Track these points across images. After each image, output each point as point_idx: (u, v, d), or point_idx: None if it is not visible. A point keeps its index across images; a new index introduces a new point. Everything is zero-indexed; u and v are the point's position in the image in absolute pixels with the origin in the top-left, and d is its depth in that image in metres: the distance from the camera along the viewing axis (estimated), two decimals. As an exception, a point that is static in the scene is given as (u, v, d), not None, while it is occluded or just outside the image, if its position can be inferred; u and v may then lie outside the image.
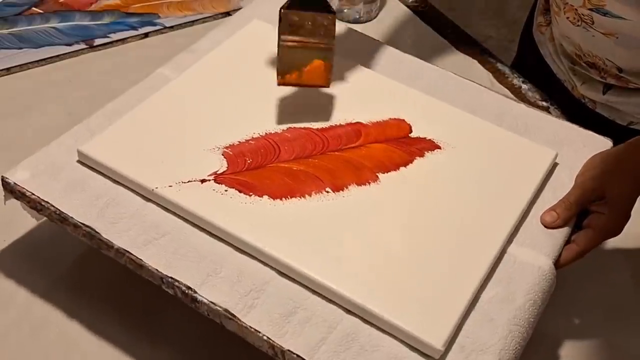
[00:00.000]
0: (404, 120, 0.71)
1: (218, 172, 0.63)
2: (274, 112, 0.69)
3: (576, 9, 0.80)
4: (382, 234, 0.60)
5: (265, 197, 0.61)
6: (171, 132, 0.66)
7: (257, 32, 0.79)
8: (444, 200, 0.63)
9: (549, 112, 0.85)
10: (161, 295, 0.58)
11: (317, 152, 0.66)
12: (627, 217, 0.64)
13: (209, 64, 0.74)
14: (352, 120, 0.70)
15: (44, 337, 0.63)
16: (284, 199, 0.62)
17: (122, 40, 0.93)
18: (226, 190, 0.62)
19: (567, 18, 0.82)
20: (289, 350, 0.53)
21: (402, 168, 0.66)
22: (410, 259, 0.58)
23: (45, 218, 0.63)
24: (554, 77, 0.91)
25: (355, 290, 0.55)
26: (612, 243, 0.72)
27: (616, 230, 0.64)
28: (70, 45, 0.91)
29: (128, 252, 0.58)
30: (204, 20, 0.98)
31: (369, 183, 0.64)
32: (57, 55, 0.89)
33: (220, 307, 0.55)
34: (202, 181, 0.62)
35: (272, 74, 0.72)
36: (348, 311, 0.56)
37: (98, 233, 0.59)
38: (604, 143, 0.72)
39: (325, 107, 0.71)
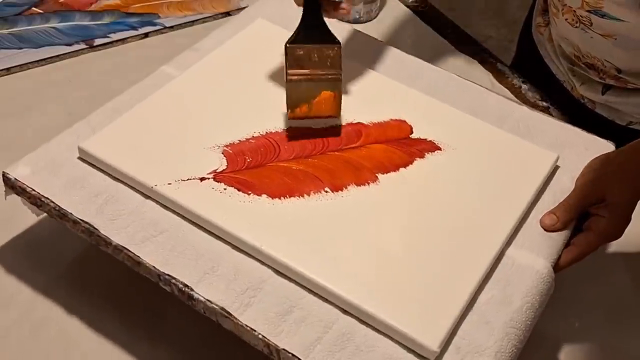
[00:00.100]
0: (405, 121, 0.71)
1: (217, 171, 0.63)
2: (275, 112, 0.69)
3: (574, 11, 0.79)
4: (380, 235, 0.60)
5: (264, 196, 0.61)
6: (172, 130, 0.66)
7: (261, 31, 0.79)
8: (443, 202, 0.63)
9: (549, 112, 0.85)
10: (161, 293, 0.58)
11: (317, 152, 0.66)
12: (627, 220, 0.63)
13: (212, 63, 0.74)
14: (353, 120, 0.70)
15: (44, 334, 0.63)
16: (282, 198, 0.62)
17: (122, 40, 0.93)
18: (225, 189, 0.62)
19: (566, 20, 0.82)
20: (284, 349, 0.53)
21: (401, 169, 0.66)
22: (407, 260, 0.58)
23: (45, 214, 0.63)
24: (553, 77, 0.91)
25: (351, 290, 0.55)
26: (612, 245, 0.72)
27: (616, 234, 0.64)
28: (70, 45, 0.91)
29: (126, 248, 0.58)
30: (204, 20, 0.98)
31: (368, 183, 0.64)
32: (57, 55, 0.90)
33: (216, 305, 0.55)
34: (202, 179, 0.62)
35: (275, 74, 0.73)
36: (344, 311, 0.56)
37: (96, 229, 0.59)
38: (606, 146, 0.71)
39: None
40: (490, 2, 2.09)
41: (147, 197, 0.62)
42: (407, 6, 1.03)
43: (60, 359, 0.62)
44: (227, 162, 0.64)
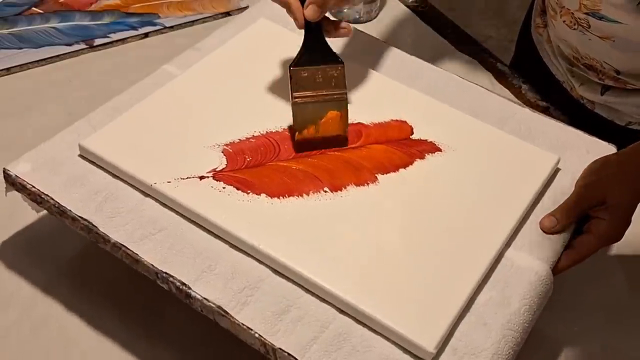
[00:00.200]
0: (405, 121, 0.71)
1: (217, 169, 0.63)
2: (275, 111, 0.69)
3: (572, 13, 0.79)
4: (378, 235, 0.60)
5: (263, 195, 0.62)
6: (172, 129, 0.67)
7: (263, 31, 0.79)
8: (442, 203, 0.63)
9: (549, 112, 0.85)
10: (160, 291, 0.58)
11: (317, 151, 0.66)
12: (627, 223, 0.63)
13: (214, 62, 0.74)
14: (353, 120, 0.69)
15: (43, 331, 0.63)
16: (281, 197, 0.62)
17: (122, 40, 0.93)
18: (224, 188, 0.62)
19: (564, 22, 0.82)
20: (280, 349, 0.53)
21: (401, 170, 0.66)
22: (405, 261, 0.58)
23: (45, 211, 0.64)
24: (553, 77, 0.91)
25: (348, 290, 0.55)
26: (612, 248, 0.72)
27: (617, 236, 0.64)
28: (70, 45, 0.91)
29: (124, 246, 0.58)
30: (204, 20, 0.98)
31: (368, 184, 0.64)
32: (57, 55, 0.90)
33: (213, 303, 0.55)
34: (201, 178, 0.62)
35: (276, 73, 0.73)
36: (341, 311, 0.56)
37: (95, 227, 0.59)
38: (607, 149, 0.71)
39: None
40: (490, 2, 2.08)
41: (147, 195, 0.62)
42: (407, 6, 1.03)
43: (60, 357, 0.62)
44: (227, 161, 0.64)
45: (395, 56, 0.80)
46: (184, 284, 0.56)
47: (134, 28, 0.94)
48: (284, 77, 0.66)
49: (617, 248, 0.72)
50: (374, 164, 0.66)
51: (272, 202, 0.61)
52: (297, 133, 0.65)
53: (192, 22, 0.97)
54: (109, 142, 0.64)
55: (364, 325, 0.55)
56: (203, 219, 0.59)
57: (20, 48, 0.90)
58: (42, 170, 0.63)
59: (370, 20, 1.00)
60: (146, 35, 0.95)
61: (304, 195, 0.62)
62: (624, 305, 0.70)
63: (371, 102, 0.72)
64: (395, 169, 0.66)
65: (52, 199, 0.61)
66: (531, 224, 0.64)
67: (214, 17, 0.99)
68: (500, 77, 0.92)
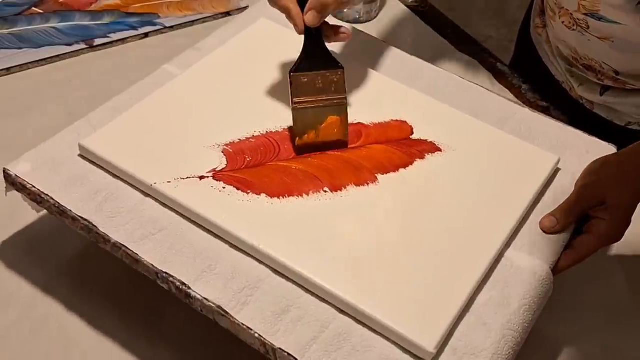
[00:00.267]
0: (405, 122, 0.71)
1: (217, 170, 0.63)
2: (275, 111, 0.69)
3: (571, 14, 0.79)
4: (378, 235, 0.60)
5: (263, 195, 0.62)
6: (172, 129, 0.67)
7: (264, 31, 0.79)
8: (442, 203, 0.63)
9: (549, 112, 0.85)
10: (160, 291, 0.58)
11: (317, 151, 0.66)
12: (627, 223, 0.63)
13: (214, 62, 0.74)
14: (353, 120, 0.69)
15: (43, 331, 0.63)
16: (281, 197, 0.62)
17: (122, 40, 0.93)
18: (224, 188, 0.62)
19: (563, 22, 0.82)
20: (280, 349, 0.53)
21: (401, 170, 0.66)
22: (405, 261, 0.58)
23: (46, 211, 0.64)
24: (552, 77, 0.91)
25: (348, 290, 0.55)
26: (612, 248, 0.72)
27: (617, 237, 0.64)
28: (70, 45, 0.91)
29: (124, 246, 0.58)
30: (204, 20, 0.98)
31: (368, 184, 0.64)
32: (57, 55, 0.90)
33: (213, 303, 0.55)
34: (201, 178, 0.62)
35: (276, 73, 0.73)
36: (341, 311, 0.56)
37: (95, 227, 0.59)
38: (607, 149, 0.71)
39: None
40: (490, 2, 2.09)
41: (147, 195, 0.62)
42: (407, 6, 1.03)
43: (60, 357, 0.62)
44: (227, 161, 0.64)
45: (395, 56, 0.80)
46: (184, 284, 0.56)
47: (134, 28, 0.94)
48: (284, 77, 0.66)
49: (617, 248, 0.72)
50: (374, 164, 0.66)
51: (272, 202, 0.61)
52: (297, 138, 0.65)
53: (192, 22, 0.97)
54: (109, 142, 0.64)
55: (364, 325, 0.55)
56: (203, 219, 0.59)
57: (20, 48, 0.90)
58: (42, 170, 0.63)
59: (370, 20, 1.00)
60: (146, 35, 0.95)
61: (304, 195, 0.62)
62: (624, 305, 0.70)
63: (371, 102, 0.72)
64: (395, 169, 0.66)
65: (52, 198, 0.61)
66: (531, 224, 0.64)
67: (214, 17, 0.99)
68: (500, 77, 0.92)
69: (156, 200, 0.62)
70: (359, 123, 0.70)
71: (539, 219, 0.64)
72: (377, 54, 0.80)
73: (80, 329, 0.64)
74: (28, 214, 0.68)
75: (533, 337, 0.59)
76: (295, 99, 0.65)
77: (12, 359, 0.62)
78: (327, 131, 0.66)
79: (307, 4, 0.64)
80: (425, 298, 0.56)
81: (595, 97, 0.85)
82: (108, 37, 0.93)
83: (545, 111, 0.81)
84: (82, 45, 0.92)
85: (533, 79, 0.91)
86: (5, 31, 0.92)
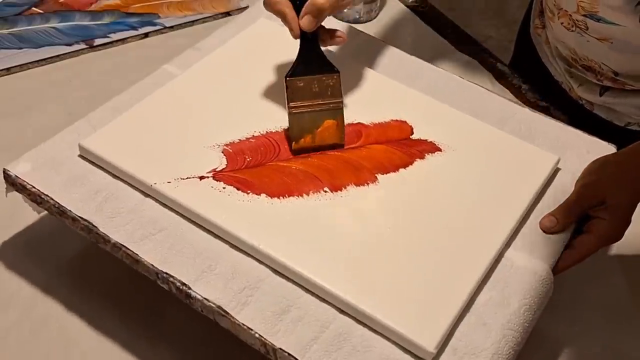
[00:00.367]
0: (405, 122, 0.71)
1: (217, 170, 0.63)
2: (275, 111, 0.69)
3: (570, 15, 0.79)
4: (378, 235, 0.60)
5: (263, 195, 0.62)
6: (172, 129, 0.67)
7: (263, 31, 0.79)
8: (442, 203, 0.63)
9: (550, 112, 0.85)
10: (161, 291, 0.58)
11: (317, 151, 0.66)
12: (627, 222, 0.63)
13: (214, 62, 0.74)
14: (353, 120, 0.70)
15: (44, 332, 0.63)
16: (281, 197, 0.62)
17: (122, 40, 0.93)
18: (224, 188, 0.62)
19: (562, 23, 0.82)
20: (280, 349, 0.53)
21: (401, 170, 0.66)
22: (405, 261, 0.58)
23: (46, 212, 0.64)
24: (552, 77, 0.91)
25: (348, 290, 0.55)
26: (612, 247, 0.72)
27: (617, 236, 0.64)
28: (70, 45, 0.91)
29: (124, 246, 0.58)
30: (204, 20, 0.98)
31: (368, 184, 0.64)
32: (57, 55, 0.90)
33: (213, 303, 0.55)
34: (201, 178, 0.62)
35: (276, 73, 0.73)
36: (341, 311, 0.56)
37: (95, 227, 0.59)
38: (607, 149, 0.71)
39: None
40: (490, 2, 2.09)
41: (147, 195, 0.62)
42: (407, 6, 1.03)
43: (60, 357, 0.62)
44: (227, 161, 0.64)
45: (395, 56, 0.80)
46: (184, 284, 0.56)
47: (134, 28, 0.94)
48: (284, 77, 0.66)
49: (617, 248, 0.72)
50: (374, 164, 0.66)
51: (272, 202, 0.61)
52: (294, 143, 0.65)
53: (192, 22, 0.97)
54: (109, 142, 0.64)
55: (364, 325, 0.55)
56: (203, 219, 0.59)
57: (20, 48, 0.90)
58: (42, 170, 0.63)
59: (370, 20, 1.00)
60: (146, 35, 0.95)
61: (304, 195, 0.62)
62: (624, 305, 0.70)
63: (371, 102, 0.72)
64: (395, 169, 0.66)
65: (52, 199, 0.61)
66: (531, 224, 0.64)
67: (214, 17, 0.99)
68: (500, 77, 0.92)
69: (156, 200, 0.62)
70: (358, 123, 0.70)
71: (538, 219, 0.64)
72: (377, 54, 0.80)
73: (80, 329, 0.64)
74: (28, 215, 0.68)
75: (533, 337, 0.59)
76: (292, 104, 0.65)
77: (12, 359, 0.62)
78: (323, 135, 0.66)
79: (303, 9, 0.64)
80: (426, 298, 0.56)
81: (594, 97, 0.85)
82: (108, 37, 0.93)
83: (545, 111, 0.81)
84: (82, 45, 0.92)
85: (532, 79, 0.91)
86: (5, 31, 0.92)
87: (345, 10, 0.98)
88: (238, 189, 0.62)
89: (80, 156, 0.65)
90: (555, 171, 0.68)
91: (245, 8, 0.97)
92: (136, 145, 0.64)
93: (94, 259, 0.68)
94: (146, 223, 0.60)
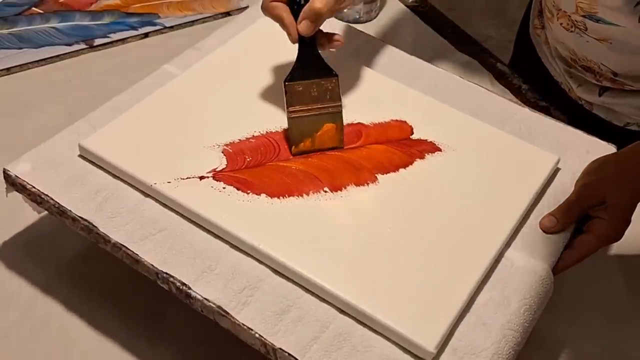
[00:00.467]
0: (405, 122, 0.71)
1: (217, 170, 0.63)
2: (275, 111, 0.69)
3: (569, 16, 0.79)
4: (378, 235, 0.60)
5: (263, 195, 0.62)
6: (172, 129, 0.67)
7: (263, 31, 0.79)
8: (442, 203, 0.63)
9: (550, 112, 0.85)
10: (161, 291, 0.58)
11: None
12: (627, 222, 0.63)
13: (214, 62, 0.74)
14: (353, 120, 0.70)
15: (44, 332, 0.63)
16: (281, 197, 0.62)
17: (122, 40, 0.93)
18: (224, 188, 0.62)
19: (561, 24, 0.82)
20: (280, 349, 0.53)
21: (401, 170, 0.66)
22: (405, 261, 0.58)
23: (46, 212, 0.64)
24: (551, 77, 0.91)
25: (348, 290, 0.55)
26: (612, 247, 0.72)
27: (617, 236, 0.64)
28: (70, 45, 0.91)
29: (124, 246, 0.58)
30: (204, 20, 0.98)
31: (368, 184, 0.64)
32: (57, 55, 0.90)
33: (213, 303, 0.55)
34: (201, 178, 0.62)
35: (276, 73, 0.73)
36: (341, 311, 0.56)
37: (95, 227, 0.59)
38: (607, 149, 0.71)
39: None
40: (490, 2, 2.09)
41: (147, 195, 0.62)
42: (407, 6, 1.03)
43: (60, 357, 0.62)
44: (227, 161, 0.64)
45: (395, 56, 0.80)
46: (184, 284, 0.56)
47: (134, 28, 0.94)
48: (283, 78, 0.66)
49: (617, 248, 0.72)
50: (374, 164, 0.66)
51: (272, 202, 0.61)
52: (293, 147, 0.65)
53: (192, 22, 0.97)
54: (109, 142, 0.64)
55: (364, 325, 0.55)
56: (203, 219, 0.59)
57: (20, 48, 0.90)
58: (42, 170, 0.63)
59: (370, 20, 1.00)
60: (146, 35, 0.95)
61: (304, 195, 0.62)
62: (624, 305, 0.70)
63: (371, 102, 0.72)
64: (395, 169, 0.66)
65: (52, 199, 0.61)
66: (531, 224, 0.64)
67: (214, 17, 0.99)
68: (500, 77, 0.92)
69: (156, 200, 0.62)
70: (358, 123, 0.70)
71: (538, 219, 0.64)
72: (377, 54, 0.80)
73: (80, 329, 0.64)
74: (28, 215, 0.68)
75: (533, 337, 0.59)
76: (291, 108, 0.65)
77: (12, 359, 0.62)
78: (323, 139, 0.66)
79: (301, 13, 0.64)
80: (426, 298, 0.56)
81: (593, 97, 0.85)
82: (108, 37, 0.93)
83: (545, 111, 0.81)
84: (82, 45, 0.92)
85: (532, 79, 0.91)
86: (5, 31, 0.92)
87: (345, 10, 0.98)
88: (238, 189, 0.62)
89: (80, 156, 0.65)
90: (555, 171, 0.68)
91: (245, 8, 0.97)
92: (136, 145, 0.64)
93: (94, 259, 0.68)
94: (146, 223, 0.60)
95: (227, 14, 1.00)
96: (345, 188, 0.63)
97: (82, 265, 0.69)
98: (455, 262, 0.59)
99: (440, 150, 0.68)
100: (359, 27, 0.87)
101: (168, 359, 0.63)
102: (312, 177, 0.64)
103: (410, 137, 0.69)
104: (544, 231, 0.63)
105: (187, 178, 0.62)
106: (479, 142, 0.69)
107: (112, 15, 0.96)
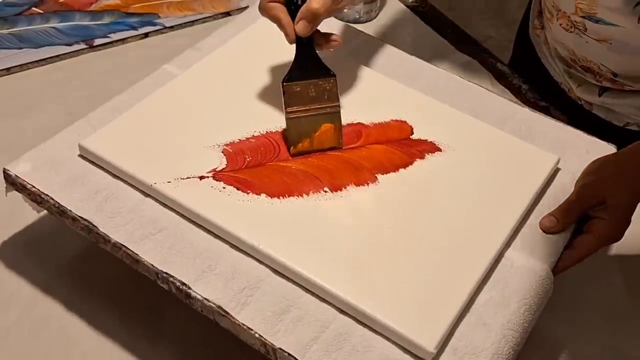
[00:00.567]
0: (405, 122, 0.71)
1: (217, 169, 0.63)
2: (275, 111, 0.69)
3: (569, 16, 0.79)
4: (378, 235, 0.60)
5: (263, 195, 0.62)
6: (172, 129, 0.67)
7: (263, 31, 0.78)
8: (442, 203, 0.63)
9: (550, 112, 0.85)
10: (161, 291, 0.58)
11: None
12: (627, 222, 0.63)
13: (214, 62, 0.74)
14: (353, 120, 0.70)
15: (44, 332, 0.63)
16: (281, 197, 0.62)
17: (122, 40, 0.93)
18: (224, 188, 0.62)
19: (560, 25, 0.82)
20: (280, 349, 0.53)
21: (401, 170, 0.66)
22: (405, 261, 0.58)
23: (46, 211, 0.64)
24: (551, 78, 0.91)
25: (348, 290, 0.55)
26: (611, 247, 0.72)
27: (617, 236, 0.64)
28: (70, 45, 0.91)
29: (124, 246, 0.58)
30: (204, 20, 0.98)
31: (368, 184, 0.64)
32: (57, 55, 0.90)
33: (213, 303, 0.55)
34: (201, 178, 0.62)
35: (276, 73, 0.73)
36: (341, 311, 0.56)
37: (95, 227, 0.59)
38: (607, 149, 0.71)
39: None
40: (490, 2, 2.09)
41: (147, 195, 0.62)
42: (407, 6, 1.03)
43: (60, 357, 0.62)
44: (227, 161, 0.64)
45: (395, 56, 0.80)
46: (184, 284, 0.56)
47: (134, 28, 0.94)
48: (281, 83, 0.66)
49: (616, 248, 0.72)
50: (374, 164, 0.66)
51: (272, 202, 0.61)
52: (292, 147, 0.65)
53: (192, 22, 0.97)
54: (109, 142, 0.64)
55: (364, 325, 0.55)
56: (203, 219, 0.59)
57: (20, 48, 0.90)
58: (42, 170, 0.63)
59: (370, 20, 1.00)
60: (146, 35, 0.95)
61: (304, 195, 0.62)
62: (624, 305, 0.70)
63: (371, 102, 0.72)
64: (395, 169, 0.66)
65: (52, 199, 0.61)
66: (531, 224, 0.64)
67: (214, 17, 0.99)
68: (500, 77, 0.92)
69: (156, 200, 0.62)
70: (358, 123, 0.70)
71: (538, 219, 0.64)
72: (377, 54, 0.80)
73: (80, 329, 0.64)
74: (28, 214, 0.68)
75: (532, 337, 0.59)
76: (289, 108, 0.65)
77: (12, 359, 0.62)
78: (321, 139, 0.66)
79: (298, 14, 0.64)
80: (425, 298, 0.56)
81: (593, 98, 0.85)
82: (108, 37, 0.93)
83: (545, 111, 0.81)
84: (82, 45, 0.92)
85: (532, 80, 0.91)
86: (5, 31, 0.92)
87: (345, 10, 0.98)
88: (238, 189, 0.62)
89: (80, 156, 0.65)
90: (555, 171, 0.69)
91: (245, 8, 0.97)
92: (136, 145, 0.64)
93: (94, 259, 0.68)
94: (146, 223, 0.60)
95: (227, 14, 1.00)
96: (345, 188, 0.63)
97: (82, 265, 0.69)
98: (455, 262, 0.59)
99: (440, 150, 0.68)
100: (358, 27, 0.87)
101: (168, 358, 0.63)
102: (312, 177, 0.64)
103: (410, 137, 0.69)
104: (544, 231, 0.63)
105: (187, 178, 0.62)
106: (479, 142, 0.69)
107: (112, 15, 0.96)
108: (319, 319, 0.55)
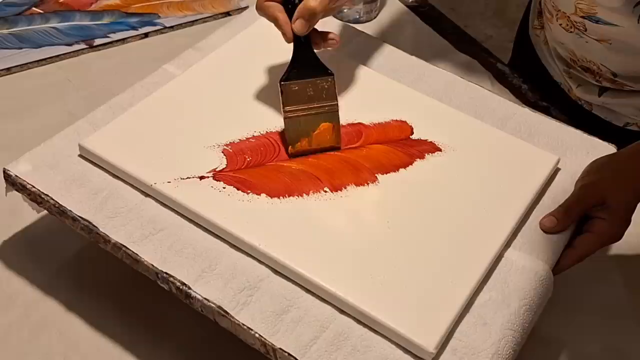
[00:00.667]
0: (405, 122, 0.71)
1: (217, 169, 0.63)
2: (275, 111, 0.69)
3: (568, 16, 0.79)
4: (378, 235, 0.60)
5: (263, 195, 0.62)
6: (172, 129, 0.67)
7: (263, 31, 0.78)
8: (442, 203, 0.63)
9: (550, 112, 0.85)
10: (161, 292, 0.58)
11: (312, 155, 0.66)
12: (627, 222, 0.63)
13: (214, 62, 0.74)
14: (354, 120, 0.70)
15: (43, 332, 0.63)
16: (281, 197, 0.62)
17: (122, 40, 0.93)
18: (224, 188, 0.62)
19: (560, 25, 0.82)
20: (280, 349, 0.53)
21: (401, 170, 0.66)
22: (405, 261, 0.58)
23: (46, 211, 0.64)
24: (550, 78, 0.91)
25: (348, 290, 0.55)
26: (611, 247, 0.72)
27: (617, 236, 0.64)
28: (70, 45, 0.91)
29: (124, 246, 0.58)
30: (204, 20, 0.98)
31: (368, 184, 0.64)
32: (57, 55, 0.90)
33: (213, 303, 0.55)
34: (201, 178, 0.62)
35: (276, 73, 0.73)
36: (341, 311, 0.56)
37: (95, 227, 0.59)
38: (607, 149, 0.71)
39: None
40: (490, 2, 2.09)
41: (147, 195, 0.62)
42: (407, 6, 1.03)
43: (60, 357, 0.62)
44: (227, 161, 0.64)
45: (395, 56, 0.80)
46: (184, 284, 0.56)
47: (134, 28, 0.94)
48: (279, 82, 0.66)
49: (616, 248, 0.72)
50: (374, 164, 0.66)
51: (272, 202, 0.61)
52: (290, 147, 0.65)
53: (192, 22, 0.97)
54: (109, 142, 0.64)
55: (364, 325, 0.55)
56: (203, 219, 0.59)
57: (20, 48, 0.90)
58: (42, 170, 0.63)
59: (370, 20, 1.00)
60: (146, 35, 0.95)
61: (304, 195, 0.62)
62: (623, 305, 0.70)
63: (371, 102, 0.72)
64: (395, 169, 0.66)
65: (52, 199, 0.61)
66: (531, 224, 0.64)
67: (214, 17, 0.99)
68: (500, 77, 0.92)
69: (156, 200, 0.62)
70: (359, 123, 0.70)
71: (538, 219, 0.64)
72: (377, 54, 0.80)
73: (80, 329, 0.64)
74: (28, 214, 0.68)
75: (532, 337, 0.59)
76: (287, 108, 0.65)
77: (12, 359, 0.62)
78: (320, 138, 0.66)
79: (295, 13, 0.64)
80: (425, 298, 0.56)
81: (593, 98, 0.85)
82: (108, 37, 0.93)
83: (545, 111, 0.82)
84: (82, 45, 0.92)
85: (532, 79, 0.91)
86: (5, 31, 0.92)
87: (345, 10, 0.98)
88: (238, 189, 0.62)
89: (80, 156, 0.65)
90: (555, 171, 0.69)
91: (245, 8, 0.97)
92: (136, 145, 0.65)
93: (94, 259, 0.68)
94: (146, 223, 0.60)
95: (227, 14, 1.00)
96: (345, 188, 0.63)
97: (82, 265, 0.69)
98: (455, 261, 0.59)
99: (440, 150, 0.68)
100: (359, 27, 0.87)
101: (168, 358, 0.63)
102: (312, 177, 0.64)
103: (410, 137, 0.69)
104: (544, 231, 0.63)
105: (187, 178, 0.62)
106: (479, 142, 0.69)
107: (112, 15, 0.96)
108: (319, 319, 0.55)
